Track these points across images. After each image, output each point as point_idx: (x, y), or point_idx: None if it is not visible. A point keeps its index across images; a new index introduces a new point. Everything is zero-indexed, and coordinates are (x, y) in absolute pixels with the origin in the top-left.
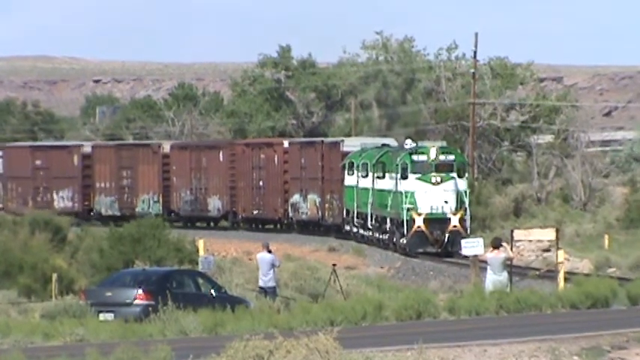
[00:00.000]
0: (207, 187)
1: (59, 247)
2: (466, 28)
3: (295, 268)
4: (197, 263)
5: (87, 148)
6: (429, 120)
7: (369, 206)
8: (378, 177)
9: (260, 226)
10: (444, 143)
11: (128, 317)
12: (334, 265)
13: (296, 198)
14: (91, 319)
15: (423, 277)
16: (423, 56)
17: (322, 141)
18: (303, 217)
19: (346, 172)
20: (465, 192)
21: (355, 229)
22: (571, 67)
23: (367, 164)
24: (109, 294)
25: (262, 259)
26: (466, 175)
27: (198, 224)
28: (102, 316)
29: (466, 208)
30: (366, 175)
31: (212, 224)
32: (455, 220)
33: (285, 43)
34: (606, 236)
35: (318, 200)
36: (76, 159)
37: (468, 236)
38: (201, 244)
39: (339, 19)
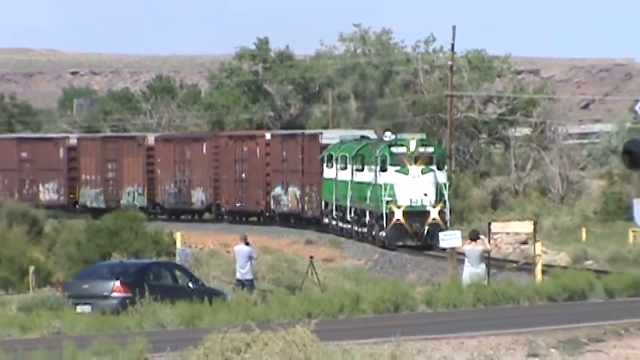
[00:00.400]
0: (191, 180)
1: (36, 240)
2: (444, 21)
3: (273, 260)
4: (174, 255)
5: (73, 141)
6: (406, 112)
7: (348, 199)
8: (357, 169)
9: (243, 219)
10: (424, 136)
11: (105, 309)
12: (311, 257)
13: (277, 190)
14: (69, 311)
15: (401, 270)
16: (400, 49)
17: (303, 133)
18: (285, 209)
19: (325, 164)
20: (445, 184)
21: (334, 222)
22: (548, 60)
23: (346, 157)
24: (86, 286)
25: (240, 252)
26: (445, 167)
27: (182, 217)
28: (79, 309)
29: (445, 201)
30: (345, 168)
31: (196, 217)
32: (434, 213)
33: (263, 35)
34: (583, 229)
35: (298, 193)
36: (61, 151)
37: (447, 229)
38: (178, 236)
39: (317, 11)
